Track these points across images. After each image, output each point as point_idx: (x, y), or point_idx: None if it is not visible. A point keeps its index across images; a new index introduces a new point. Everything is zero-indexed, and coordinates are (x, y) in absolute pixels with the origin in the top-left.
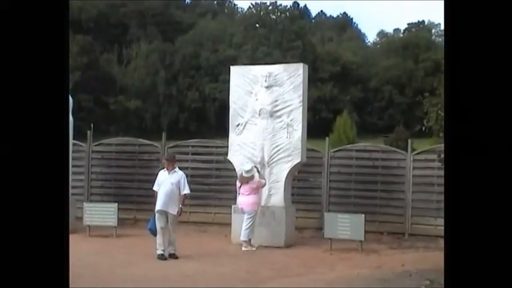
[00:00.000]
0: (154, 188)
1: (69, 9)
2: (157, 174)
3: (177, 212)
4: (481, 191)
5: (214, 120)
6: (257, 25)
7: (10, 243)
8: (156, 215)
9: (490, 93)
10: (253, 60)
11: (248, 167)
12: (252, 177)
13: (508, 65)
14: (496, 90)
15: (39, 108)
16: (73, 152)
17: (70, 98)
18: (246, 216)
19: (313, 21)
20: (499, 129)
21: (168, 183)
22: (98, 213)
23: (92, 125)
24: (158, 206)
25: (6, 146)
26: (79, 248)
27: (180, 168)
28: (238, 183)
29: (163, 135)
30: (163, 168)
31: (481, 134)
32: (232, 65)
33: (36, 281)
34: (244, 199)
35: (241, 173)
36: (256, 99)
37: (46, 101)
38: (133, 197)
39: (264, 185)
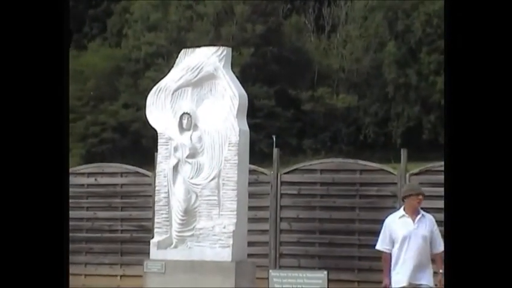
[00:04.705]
0: (379, 246)
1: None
2: (383, 221)
3: (437, 285)
4: (481, 191)
5: None
6: None
7: (9, 244)
8: None
9: (492, 94)
10: None
11: None
12: None
13: (509, 64)
14: (496, 90)
15: (38, 107)
16: (250, 183)
17: (242, 92)
18: None
19: None
20: (500, 130)
21: (419, 236)
22: (294, 286)
23: (274, 138)
24: (406, 278)
25: (5, 147)
26: None
27: (426, 210)
28: None
29: (403, 153)
30: (400, 209)
31: (481, 134)
32: None
33: (36, 282)
34: None
35: None
36: None
37: (45, 100)
38: (354, 260)
39: None
